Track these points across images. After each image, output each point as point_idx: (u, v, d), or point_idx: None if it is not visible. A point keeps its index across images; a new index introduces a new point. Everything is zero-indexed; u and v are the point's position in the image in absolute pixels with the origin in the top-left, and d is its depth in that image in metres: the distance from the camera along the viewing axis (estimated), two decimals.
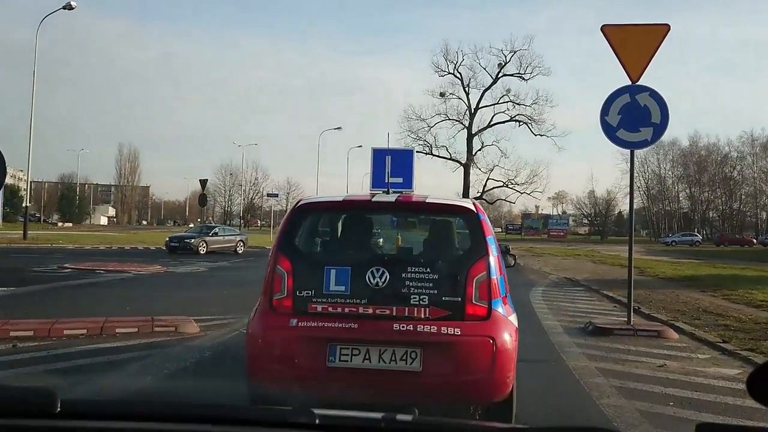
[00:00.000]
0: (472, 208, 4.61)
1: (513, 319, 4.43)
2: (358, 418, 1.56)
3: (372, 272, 4.23)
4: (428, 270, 4.24)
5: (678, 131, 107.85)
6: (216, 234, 33.26)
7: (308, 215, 4.88)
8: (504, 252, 5.58)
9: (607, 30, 9.76)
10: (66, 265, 20.71)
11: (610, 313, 12.02)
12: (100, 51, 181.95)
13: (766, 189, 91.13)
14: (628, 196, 10.48)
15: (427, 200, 4.81)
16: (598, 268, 25.56)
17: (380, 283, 4.21)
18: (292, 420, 1.49)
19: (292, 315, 4.24)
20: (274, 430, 1.48)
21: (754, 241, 74.18)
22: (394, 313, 4.20)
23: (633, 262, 9.85)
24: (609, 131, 9.70)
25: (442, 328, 4.13)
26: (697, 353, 8.14)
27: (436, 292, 4.20)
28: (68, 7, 35.66)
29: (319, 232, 5.31)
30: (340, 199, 4.95)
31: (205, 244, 31.21)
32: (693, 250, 55.42)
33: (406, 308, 4.19)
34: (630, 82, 9.66)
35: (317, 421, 1.47)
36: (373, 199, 4.79)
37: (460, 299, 4.21)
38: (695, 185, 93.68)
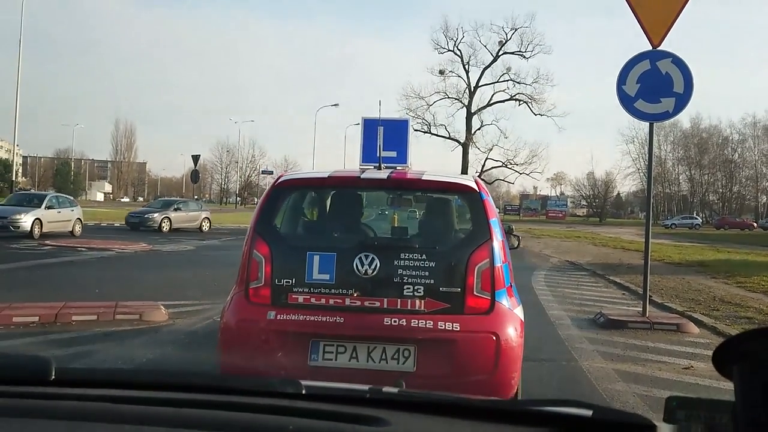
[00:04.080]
0: (474, 186, 4.10)
1: (519, 312, 3.97)
2: (344, 389, 1.58)
3: (360, 259, 3.79)
4: (424, 257, 3.79)
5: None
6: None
7: (290, 193, 4.39)
8: (507, 232, 4.97)
9: None
10: (47, 241, 19.91)
11: (619, 302, 11.17)
12: (98, 27, 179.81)
13: (767, 172, 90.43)
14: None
15: (423, 177, 4.21)
16: (599, 251, 24.60)
17: (370, 271, 3.78)
18: (279, 390, 1.49)
19: (270, 306, 3.81)
20: (261, 400, 1.42)
21: (755, 224, 73.53)
22: (385, 306, 3.77)
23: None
24: (626, 102, 8.76)
25: (439, 323, 3.70)
26: None
27: (432, 281, 3.77)
28: None
29: (301, 212, 4.74)
30: (326, 175, 4.37)
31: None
32: (694, 233, 54.82)
33: (399, 300, 3.76)
34: (651, 47, 8.71)
35: (304, 392, 1.47)
36: (363, 176, 4.26)
37: (459, 290, 3.77)
38: (695, 168, 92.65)
